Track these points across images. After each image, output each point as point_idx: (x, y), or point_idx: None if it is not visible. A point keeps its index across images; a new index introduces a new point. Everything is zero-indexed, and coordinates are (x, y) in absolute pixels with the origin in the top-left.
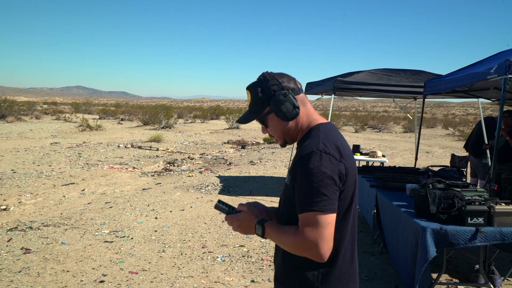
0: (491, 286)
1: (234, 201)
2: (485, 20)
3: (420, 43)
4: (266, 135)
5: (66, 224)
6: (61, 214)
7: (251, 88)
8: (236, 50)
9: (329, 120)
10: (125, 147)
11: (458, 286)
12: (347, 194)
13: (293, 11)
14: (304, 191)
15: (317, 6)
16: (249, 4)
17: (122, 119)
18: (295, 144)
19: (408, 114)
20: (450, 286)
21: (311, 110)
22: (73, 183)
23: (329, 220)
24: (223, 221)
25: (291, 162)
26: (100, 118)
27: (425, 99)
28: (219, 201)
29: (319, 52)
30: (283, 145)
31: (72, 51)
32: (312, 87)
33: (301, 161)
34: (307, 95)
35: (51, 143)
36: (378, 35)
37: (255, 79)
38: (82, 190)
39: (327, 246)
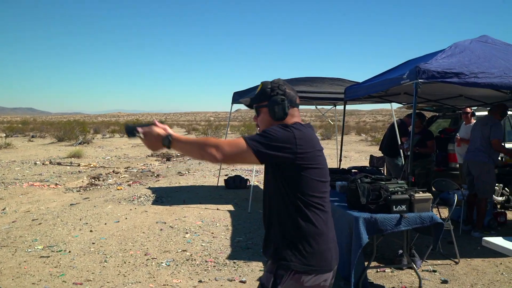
0: (414, 266)
1: (168, 210)
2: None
3: (336, 52)
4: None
5: None
6: None
7: (264, 83)
8: (152, 62)
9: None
10: (43, 164)
11: (386, 270)
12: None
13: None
14: None
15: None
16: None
17: (33, 136)
18: None
19: (329, 120)
20: (378, 270)
21: (297, 121)
22: None
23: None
24: (161, 229)
25: None
26: (7, 136)
27: (338, 107)
28: (127, 127)
29: (245, 60)
30: None
31: None
32: (241, 96)
33: None
34: (235, 104)
35: None
36: (296, 44)
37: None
38: (3, 209)
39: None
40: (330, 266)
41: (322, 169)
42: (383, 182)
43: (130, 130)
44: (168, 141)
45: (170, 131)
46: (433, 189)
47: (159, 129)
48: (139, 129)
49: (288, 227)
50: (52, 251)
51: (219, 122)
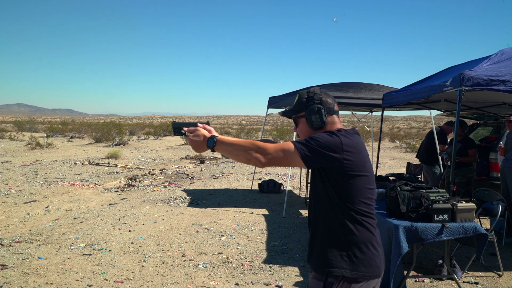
0: (455, 277)
1: (204, 212)
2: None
3: (372, 59)
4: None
5: (39, 240)
6: (30, 230)
7: (300, 93)
8: (185, 65)
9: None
10: (82, 164)
11: (425, 280)
12: None
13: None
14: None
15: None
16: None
17: (72, 137)
18: None
19: (365, 126)
20: (417, 280)
21: (340, 128)
22: (35, 201)
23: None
24: (197, 231)
25: None
26: (47, 136)
27: (374, 113)
28: (174, 124)
29: (278, 64)
30: None
31: (11, 67)
32: (277, 101)
33: None
34: (272, 109)
35: (1, 162)
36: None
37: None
38: (46, 207)
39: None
40: (379, 271)
41: (369, 176)
42: (424, 191)
43: (177, 128)
44: (212, 142)
45: (215, 133)
46: (473, 198)
47: (204, 131)
48: (185, 128)
49: (337, 234)
50: (93, 249)
51: (251, 126)
